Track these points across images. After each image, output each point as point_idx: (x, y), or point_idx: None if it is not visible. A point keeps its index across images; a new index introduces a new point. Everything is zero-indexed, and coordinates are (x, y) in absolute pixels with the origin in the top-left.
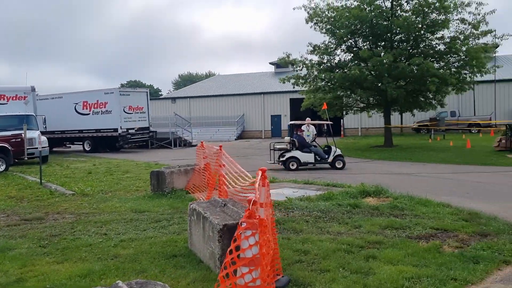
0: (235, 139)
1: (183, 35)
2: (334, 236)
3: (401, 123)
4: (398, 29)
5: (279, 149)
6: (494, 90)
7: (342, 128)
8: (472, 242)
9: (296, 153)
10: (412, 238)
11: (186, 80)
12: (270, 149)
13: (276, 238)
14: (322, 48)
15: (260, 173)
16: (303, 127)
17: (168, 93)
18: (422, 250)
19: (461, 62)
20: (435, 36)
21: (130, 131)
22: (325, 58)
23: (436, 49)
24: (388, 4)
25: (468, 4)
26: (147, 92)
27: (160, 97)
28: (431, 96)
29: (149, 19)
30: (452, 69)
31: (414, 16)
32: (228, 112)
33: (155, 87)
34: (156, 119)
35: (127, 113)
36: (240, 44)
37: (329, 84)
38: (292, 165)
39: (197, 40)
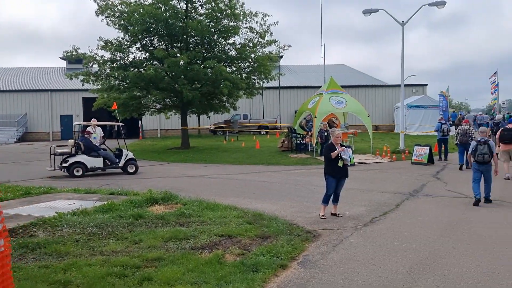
0: (15, 142)
1: None
2: (107, 256)
3: (199, 125)
4: (193, 31)
5: (61, 154)
6: (279, 95)
7: (140, 130)
8: (254, 247)
9: (82, 158)
10: (196, 249)
11: None
12: (51, 154)
13: (9, 277)
14: (115, 44)
15: None
16: (89, 129)
17: None
18: (204, 263)
19: (251, 68)
20: (227, 41)
21: None
22: (118, 55)
23: (228, 54)
24: (183, 5)
25: (256, 14)
26: None
27: None
28: (224, 99)
29: None
30: (243, 74)
31: (208, 20)
32: (6, 110)
33: None
34: None
35: None
36: (28, 35)
37: (123, 83)
38: (77, 171)
39: None
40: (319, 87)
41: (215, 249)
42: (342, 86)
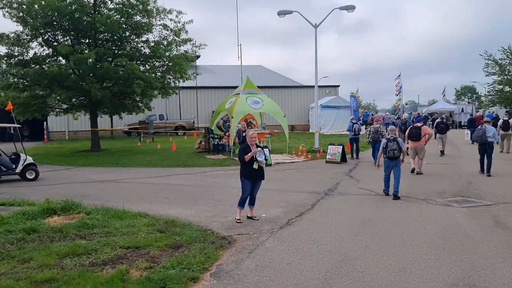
0: None
1: None
2: None
3: (111, 126)
4: (102, 27)
5: None
6: (196, 95)
7: (46, 132)
8: (163, 259)
9: None
10: (97, 265)
11: None
12: None
13: None
14: (12, 38)
15: None
16: None
17: None
18: (104, 282)
19: (166, 67)
20: (140, 39)
21: None
22: (16, 50)
23: (142, 52)
24: None
25: (170, 12)
26: None
27: None
28: (138, 99)
29: None
30: (158, 73)
31: (118, 16)
32: None
33: None
34: None
35: None
36: None
37: (23, 81)
38: None
39: None
40: (236, 87)
41: (119, 264)
42: (259, 87)
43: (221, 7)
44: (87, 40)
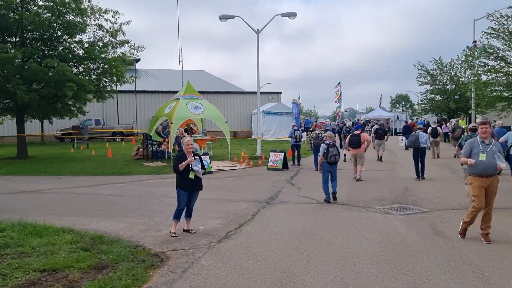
0: None
1: None
2: None
3: (42, 131)
4: (30, 25)
5: None
6: (135, 100)
7: None
8: (84, 283)
9: None
10: None
11: None
12: None
13: None
14: None
15: None
16: None
17: None
18: None
19: (101, 69)
20: (73, 39)
21: None
22: None
23: (75, 53)
24: None
25: (106, 12)
26: None
27: None
28: (70, 103)
29: None
30: (92, 76)
31: (48, 14)
32: None
33: None
34: None
35: None
36: None
37: None
38: None
39: None
40: (177, 92)
41: None
42: (201, 92)
43: (163, 11)
44: (13, 39)
